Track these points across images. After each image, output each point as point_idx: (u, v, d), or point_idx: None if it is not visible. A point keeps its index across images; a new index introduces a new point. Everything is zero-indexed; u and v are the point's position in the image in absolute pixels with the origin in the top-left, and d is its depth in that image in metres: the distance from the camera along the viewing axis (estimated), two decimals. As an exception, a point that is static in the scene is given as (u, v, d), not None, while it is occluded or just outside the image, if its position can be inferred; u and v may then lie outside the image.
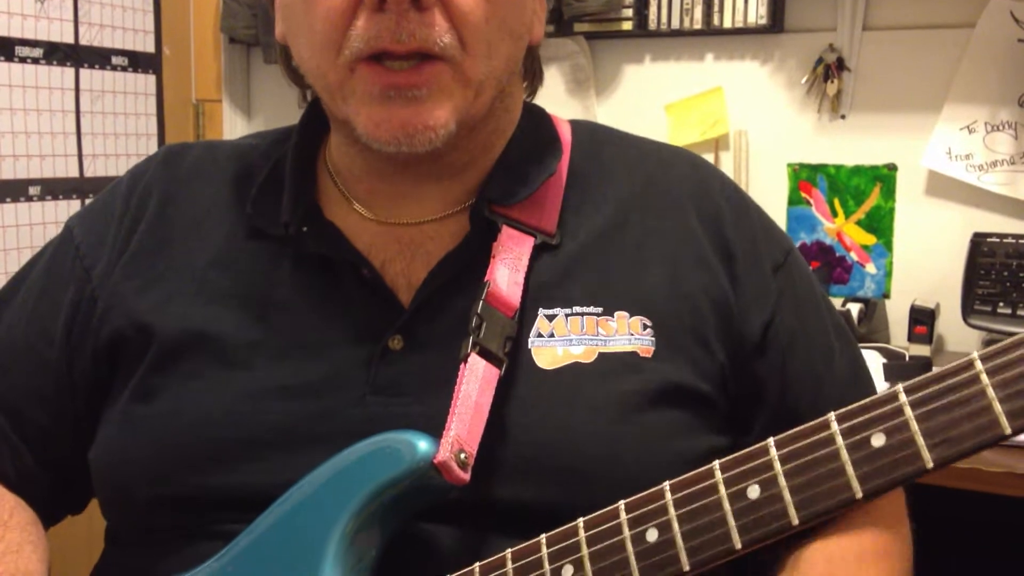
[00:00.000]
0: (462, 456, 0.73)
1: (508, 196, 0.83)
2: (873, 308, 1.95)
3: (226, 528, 0.79)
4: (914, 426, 0.48)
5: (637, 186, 0.89)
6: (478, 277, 0.80)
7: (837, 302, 1.96)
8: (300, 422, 0.80)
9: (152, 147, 2.01)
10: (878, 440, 0.49)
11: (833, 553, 0.73)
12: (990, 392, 0.46)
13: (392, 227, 0.85)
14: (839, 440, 0.50)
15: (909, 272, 1.98)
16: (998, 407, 0.46)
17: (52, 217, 1.81)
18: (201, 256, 0.88)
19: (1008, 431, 0.46)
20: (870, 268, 2.01)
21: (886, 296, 2.00)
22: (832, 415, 0.51)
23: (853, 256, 2.03)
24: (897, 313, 1.96)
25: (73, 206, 1.85)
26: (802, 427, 0.52)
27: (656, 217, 0.87)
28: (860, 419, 0.50)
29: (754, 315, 0.84)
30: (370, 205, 0.85)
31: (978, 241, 1.87)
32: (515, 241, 0.82)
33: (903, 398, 0.49)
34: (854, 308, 1.91)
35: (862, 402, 0.50)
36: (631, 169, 0.90)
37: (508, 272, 0.80)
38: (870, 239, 2.01)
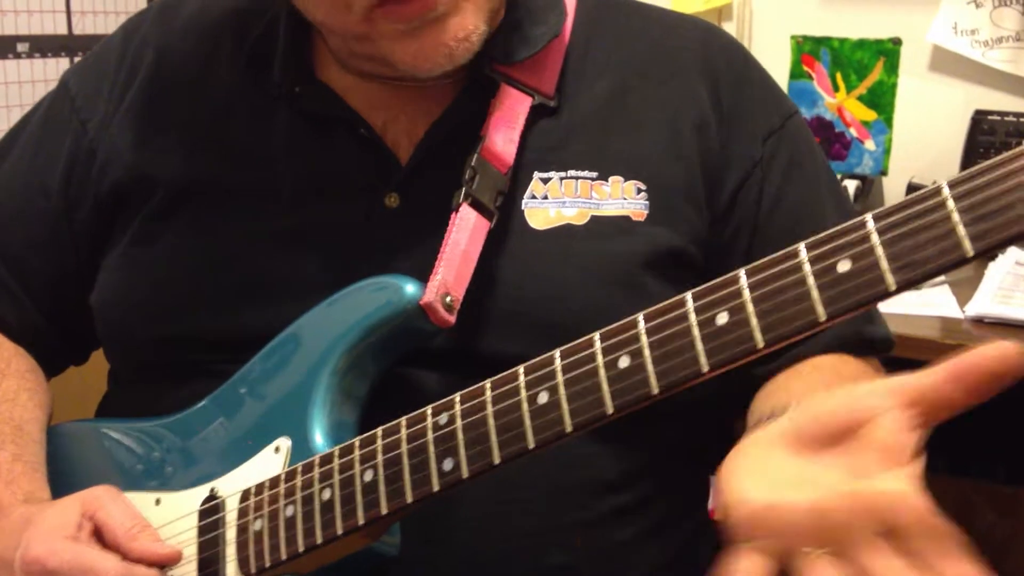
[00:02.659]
0: (447, 300, 0.74)
1: (509, 55, 0.82)
2: (870, 185, 1.94)
3: (223, 367, 0.82)
4: (879, 251, 0.49)
5: (641, 52, 0.88)
6: (475, 134, 0.81)
7: (833, 178, 1.95)
8: (296, 270, 0.82)
9: (141, 3, 1.96)
10: (844, 266, 0.50)
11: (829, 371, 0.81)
12: (955, 217, 0.47)
13: (394, 86, 0.84)
14: (806, 267, 0.51)
15: (908, 149, 1.97)
16: (962, 231, 0.47)
17: (41, 75, 1.78)
18: (200, 110, 0.88)
19: (971, 253, 0.47)
20: (869, 145, 2.00)
21: (884, 173, 1.99)
22: (801, 244, 0.52)
23: (853, 132, 2.01)
24: (894, 190, 1.95)
25: (62, 63, 1.83)
26: (772, 256, 0.53)
27: (659, 82, 0.86)
28: (828, 247, 0.51)
29: (729, 179, 0.85)
30: (371, 67, 0.84)
31: (979, 119, 1.85)
32: (513, 100, 0.82)
33: (870, 225, 0.49)
34: (851, 185, 1.90)
35: (830, 231, 0.51)
36: (635, 35, 0.89)
37: (504, 129, 0.81)
38: (871, 115, 1.99)
